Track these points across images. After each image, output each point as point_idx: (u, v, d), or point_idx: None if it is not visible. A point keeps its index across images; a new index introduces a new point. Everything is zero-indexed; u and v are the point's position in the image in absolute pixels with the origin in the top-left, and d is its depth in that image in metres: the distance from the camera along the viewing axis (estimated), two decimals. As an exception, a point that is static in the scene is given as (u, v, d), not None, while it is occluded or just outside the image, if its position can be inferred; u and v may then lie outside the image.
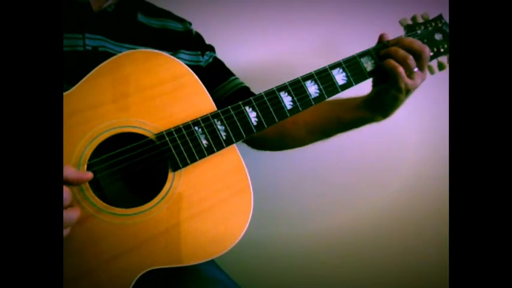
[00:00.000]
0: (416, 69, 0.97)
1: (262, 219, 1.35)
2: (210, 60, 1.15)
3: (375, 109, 1.02)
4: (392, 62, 0.95)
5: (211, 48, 1.18)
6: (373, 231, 1.50)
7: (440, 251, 1.33)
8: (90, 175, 0.78)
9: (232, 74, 1.17)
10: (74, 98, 0.82)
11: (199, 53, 1.12)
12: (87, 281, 0.78)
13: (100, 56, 0.87)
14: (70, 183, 0.75)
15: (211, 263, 1.02)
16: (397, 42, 0.99)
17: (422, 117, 1.44)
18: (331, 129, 1.09)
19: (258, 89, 0.93)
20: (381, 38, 1.02)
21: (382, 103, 1.00)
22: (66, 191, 0.72)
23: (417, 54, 0.96)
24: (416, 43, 0.97)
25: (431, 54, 1.04)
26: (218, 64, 1.17)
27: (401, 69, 0.94)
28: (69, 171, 0.75)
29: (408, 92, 0.97)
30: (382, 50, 0.99)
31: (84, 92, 0.83)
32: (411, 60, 0.95)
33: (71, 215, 0.72)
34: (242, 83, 1.16)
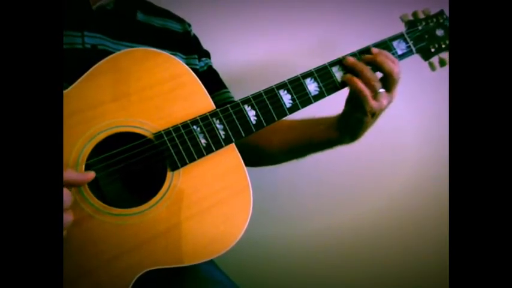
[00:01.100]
0: (382, 90, 0.93)
1: (261, 219, 1.34)
2: (205, 68, 1.15)
3: (341, 130, 1.00)
4: (359, 84, 0.92)
5: (207, 55, 1.18)
6: (373, 231, 1.49)
7: (440, 251, 1.33)
8: (91, 174, 0.78)
9: (224, 87, 1.16)
10: (73, 97, 0.82)
11: (196, 56, 1.12)
12: (86, 281, 0.78)
13: (99, 54, 0.87)
14: (71, 184, 0.75)
15: (210, 263, 1.02)
16: (371, 58, 0.95)
17: (422, 117, 1.44)
18: (304, 150, 1.09)
19: (257, 88, 0.92)
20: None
21: (347, 125, 0.98)
22: (67, 193, 0.73)
23: (386, 74, 0.93)
24: (387, 64, 0.93)
25: (433, 50, 1.04)
26: (212, 74, 1.17)
27: (366, 93, 0.91)
28: (69, 173, 0.75)
29: (374, 114, 0.94)
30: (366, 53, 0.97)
31: (83, 91, 0.83)
32: (376, 82, 0.92)
33: (65, 218, 0.72)
34: (231, 97, 1.15)
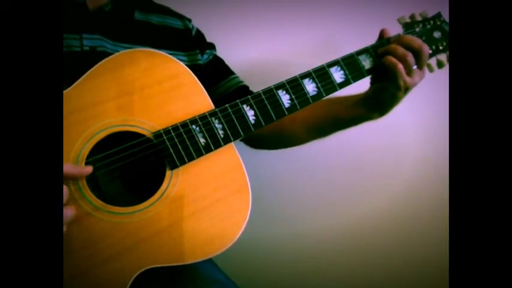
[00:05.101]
0: (415, 67, 0.96)
1: (260, 219, 1.34)
2: (211, 57, 1.14)
3: (373, 107, 1.01)
4: (392, 59, 0.94)
5: (211, 46, 1.17)
6: (372, 231, 1.49)
7: (440, 251, 1.33)
8: (89, 169, 0.79)
9: (232, 73, 1.17)
10: (73, 97, 0.82)
11: (198, 51, 1.11)
12: (85, 279, 0.78)
13: (99, 56, 0.86)
14: (69, 178, 0.76)
15: (210, 262, 1.02)
16: (397, 39, 0.98)
17: (422, 117, 1.44)
18: (329, 128, 1.09)
19: (256, 87, 0.92)
20: (381, 33, 1.02)
21: (381, 101, 0.99)
22: (64, 189, 0.73)
23: (416, 52, 0.95)
24: (416, 41, 0.96)
25: (430, 52, 1.04)
26: (218, 62, 1.17)
27: (400, 67, 0.94)
28: (67, 166, 0.75)
29: (407, 90, 0.96)
30: (380, 47, 0.99)
31: (83, 90, 0.83)
32: (410, 57, 0.94)
33: (66, 213, 0.73)
34: (242, 81, 1.15)
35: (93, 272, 0.78)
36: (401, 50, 0.95)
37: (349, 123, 1.06)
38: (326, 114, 1.08)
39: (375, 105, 1.01)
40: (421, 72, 0.98)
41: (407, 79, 0.95)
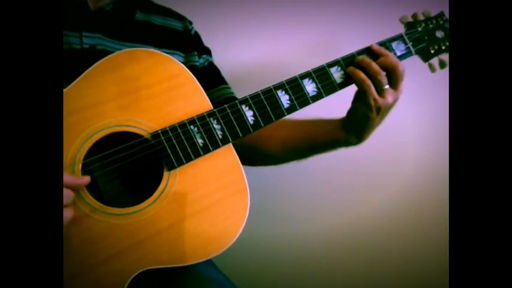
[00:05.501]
0: (387, 87, 0.94)
1: (261, 219, 1.34)
2: (206, 64, 1.14)
3: (348, 129, 0.99)
4: (362, 75, 0.92)
5: (208, 52, 1.17)
6: (372, 231, 1.49)
7: (440, 251, 1.32)
8: (87, 179, 0.78)
9: (224, 82, 1.15)
10: (71, 96, 0.82)
11: (196, 53, 1.11)
12: (85, 279, 0.78)
13: (98, 54, 0.86)
14: (67, 188, 0.75)
15: (208, 262, 1.01)
16: (374, 52, 0.96)
17: (422, 117, 1.44)
18: (306, 150, 1.07)
19: (256, 88, 0.92)
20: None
21: (354, 122, 0.98)
22: (68, 191, 0.74)
23: (389, 70, 0.93)
24: (390, 59, 0.94)
25: (433, 52, 1.03)
26: (212, 70, 1.16)
27: (369, 83, 0.92)
28: (65, 176, 0.75)
29: (379, 110, 0.93)
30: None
31: (81, 90, 0.83)
32: (382, 77, 0.92)
33: (65, 214, 0.73)
34: (231, 93, 1.14)
35: (93, 272, 0.78)
36: (374, 66, 0.93)
37: (325, 147, 1.05)
38: (303, 135, 1.06)
39: (350, 128, 0.99)
40: (394, 92, 0.95)
41: (378, 98, 0.92)
